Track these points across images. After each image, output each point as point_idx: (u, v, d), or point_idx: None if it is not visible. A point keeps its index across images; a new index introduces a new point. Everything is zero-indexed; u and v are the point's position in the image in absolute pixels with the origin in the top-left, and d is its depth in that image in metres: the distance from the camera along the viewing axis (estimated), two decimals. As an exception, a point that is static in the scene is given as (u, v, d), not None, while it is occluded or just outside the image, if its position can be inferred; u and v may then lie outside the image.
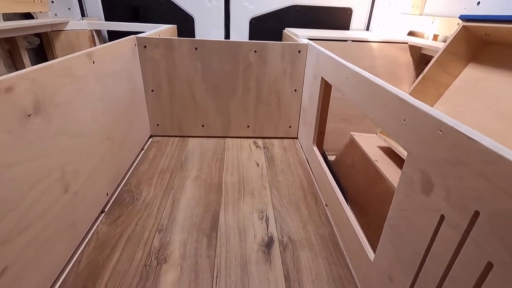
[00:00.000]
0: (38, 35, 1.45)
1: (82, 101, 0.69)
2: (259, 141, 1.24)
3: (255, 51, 1.08)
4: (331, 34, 1.45)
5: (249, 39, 1.77)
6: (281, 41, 1.72)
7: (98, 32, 1.66)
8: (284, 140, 1.26)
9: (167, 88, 1.13)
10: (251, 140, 1.24)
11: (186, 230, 0.75)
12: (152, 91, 1.13)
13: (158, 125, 1.20)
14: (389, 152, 1.01)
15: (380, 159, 0.97)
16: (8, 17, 1.28)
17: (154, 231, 0.74)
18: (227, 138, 1.24)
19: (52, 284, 0.58)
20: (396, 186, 0.49)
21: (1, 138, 0.45)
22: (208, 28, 1.75)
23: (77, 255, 0.66)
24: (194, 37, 1.74)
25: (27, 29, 1.28)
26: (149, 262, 0.65)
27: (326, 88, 0.93)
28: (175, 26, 1.66)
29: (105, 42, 1.74)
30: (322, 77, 0.90)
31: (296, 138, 1.28)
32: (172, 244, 0.70)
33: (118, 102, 0.89)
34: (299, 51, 1.10)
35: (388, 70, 1.42)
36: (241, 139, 1.25)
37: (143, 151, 1.11)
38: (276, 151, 1.16)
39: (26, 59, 1.33)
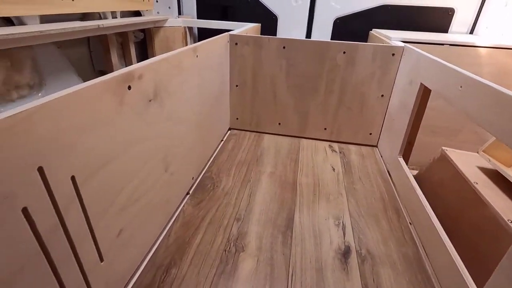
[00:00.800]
0: (142, 30, 1.66)
1: (185, 91, 0.76)
2: (335, 145, 1.20)
3: (344, 52, 1.05)
4: (428, 37, 1.32)
5: (331, 39, 1.72)
6: (366, 42, 1.63)
7: (190, 28, 1.81)
8: (362, 147, 1.20)
9: (251, 84, 1.17)
10: (327, 143, 1.21)
11: (262, 223, 0.77)
12: (237, 86, 1.18)
13: (237, 119, 1.26)
14: (494, 176, 0.87)
15: (481, 182, 0.84)
16: (123, 14, 1.48)
17: (233, 220, 0.78)
18: (301, 139, 1.23)
19: (149, 250, 0.66)
20: (502, 216, 0.41)
21: (132, 118, 0.52)
22: (290, 27, 1.75)
23: (167, 229, 0.73)
24: (276, 35, 1.77)
25: (136, 25, 1.47)
26: (228, 248, 0.69)
27: (424, 95, 0.85)
28: (259, 24, 1.71)
29: (194, 38, 1.89)
30: (421, 83, 0.82)
31: (376, 146, 1.20)
32: (249, 234, 0.73)
33: (210, 95, 0.96)
34: (393, 54, 1.02)
35: (497, 80, 1.22)
36: (316, 141, 1.22)
37: (223, 142, 1.18)
38: (353, 158, 1.11)
39: (132, 51, 1.53)
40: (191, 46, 0.78)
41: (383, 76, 1.07)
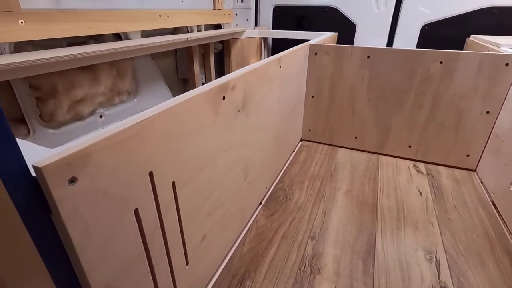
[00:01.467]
0: (221, 42, 1.76)
1: (267, 101, 0.75)
2: (421, 166, 1.06)
3: (441, 62, 0.93)
4: (551, 42, 1.09)
5: (417, 48, 1.56)
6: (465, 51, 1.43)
7: (265, 39, 1.86)
8: (456, 170, 1.03)
9: (327, 95, 1.13)
10: (411, 163, 1.08)
11: (339, 245, 0.71)
12: (312, 96, 1.15)
13: (310, 130, 1.22)
14: None
15: None
16: (206, 27, 1.60)
17: (307, 237, 0.74)
18: (380, 155, 1.13)
19: (225, 257, 0.67)
20: None
21: (223, 127, 0.54)
22: (370, 36, 1.65)
23: (241, 237, 0.73)
24: (353, 44, 1.69)
25: (218, 37, 1.56)
26: (303, 267, 0.65)
27: (554, 115, 0.69)
28: (336, 34, 1.66)
29: (268, 49, 1.93)
30: (552, 100, 0.67)
31: (474, 171, 1.02)
32: (325, 256, 0.68)
33: (287, 104, 0.94)
34: (507, 64, 0.86)
35: None
36: (398, 159, 1.10)
37: (294, 153, 1.15)
38: (445, 182, 0.97)
39: (212, 61, 1.63)
40: (276, 57, 0.78)
41: (491, 89, 0.91)
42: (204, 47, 1.59)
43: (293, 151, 1.16)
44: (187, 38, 1.22)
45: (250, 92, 0.63)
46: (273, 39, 1.90)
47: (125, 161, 0.33)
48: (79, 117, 0.97)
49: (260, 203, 0.86)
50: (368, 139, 1.13)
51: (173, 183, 0.42)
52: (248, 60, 1.81)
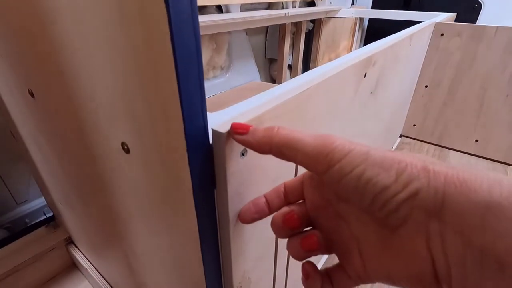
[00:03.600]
0: (313, 21, 1.64)
1: (392, 85, 0.64)
2: None
3: None
4: None
5: None
6: None
7: (361, 20, 1.67)
8: None
9: (447, 86, 0.94)
10: (555, 181, 0.84)
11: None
12: (426, 86, 0.98)
13: (414, 125, 1.05)
14: None
15: None
16: (300, 4, 1.50)
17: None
18: (510, 166, 0.91)
19: (323, 256, 0.60)
20: None
21: (356, 111, 0.45)
22: (500, 17, 1.34)
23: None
24: (474, 29, 1.40)
25: (312, 14, 1.45)
26: None
27: None
28: (455, 14, 1.39)
29: (363, 31, 1.74)
30: None
31: None
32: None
33: (403, 93, 0.81)
34: None
35: None
36: (536, 174, 0.88)
37: (392, 149, 1.01)
38: None
39: (302, 41, 1.53)
40: (407, 32, 0.65)
41: None
42: (296, 26, 1.50)
43: (392, 148, 1.02)
44: (285, 14, 1.14)
45: (384, 72, 0.53)
46: (369, 21, 1.70)
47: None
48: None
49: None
50: (494, 144, 0.92)
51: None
52: (338, 43, 1.65)
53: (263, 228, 0.30)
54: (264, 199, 0.23)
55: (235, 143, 0.21)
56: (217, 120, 0.21)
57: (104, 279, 0.59)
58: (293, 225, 0.21)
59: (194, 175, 0.20)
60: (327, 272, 0.21)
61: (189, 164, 0.19)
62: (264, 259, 0.33)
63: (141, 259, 0.36)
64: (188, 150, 0.19)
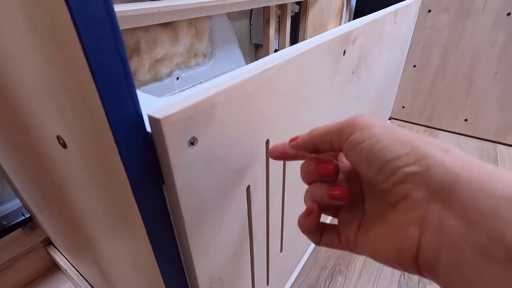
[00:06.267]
0: (299, 3, 1.58)
1: (377, 65, 0.61)
2: (561, 163, 0.82)
3: None
4: None
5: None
6: None
7: (348, 1, 1.62)
8: None
9: (435, 65, 0.91)
10: (545, 158, 0.84)
11: (453, 252, 0.57)
12: (414, 66, 0.95)
13: (403, 107, 1.03)
14: None
15: None
16: (284, -15, 1.43)
17: (409, 235, 0.61)
18: (500, 145, 0.90)
19: (308, 246, 0.58)
20: None
21: (337, 92, 0.42)
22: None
23: (326, 224, 0.64)
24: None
25: (297, -4, 1.39)
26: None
27: None
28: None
29: (350, 12, 1.69)
30: None
31: None
32: (435, 262, 0.55)
33: (388, 73, 0.78)
34: None
35: None
36: (525, 151, 0.87)
37: (382, 133, 0.99)
38: None
39: (288, 24, 1.48)
40: (392, 8, 0.61)
41: None
42: (282, 8, 1.45)
43: (381, 131, 1.00)
44: (268, -5, 1.09)
45: (366, 50, 0.50)
46: (357, 1, 1.65)
47: (244, 122, 0.24)
48: (158, 78, 0.95)
49: (346, 187, 0.75)
50: (484, 123, 0.90)
51: (284, 156, 0.33)
52: (326, 25, 1.61)
53: (231, 227, 0.27)
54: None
55: (180, 130, 0.18)
56: (158, 106, 0.18)
57: (86, 280, 0.56)
58: (329, 173, 0.20)
59: (131, 170, 0.17)
60: (322, 225, 0.22)
61: (122, 157, 0.16)
62: (236, 257, 0.31)
63: (109, 262, 0.34)
64: (117, 141, 0.16)
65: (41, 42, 0.15)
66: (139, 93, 0.24)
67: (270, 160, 0.30)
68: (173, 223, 0.22)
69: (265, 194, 0.32)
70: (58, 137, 0.21)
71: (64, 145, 0.21)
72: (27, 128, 0.25)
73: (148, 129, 0.18)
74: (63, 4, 0.12)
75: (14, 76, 0.21)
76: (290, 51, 0.29)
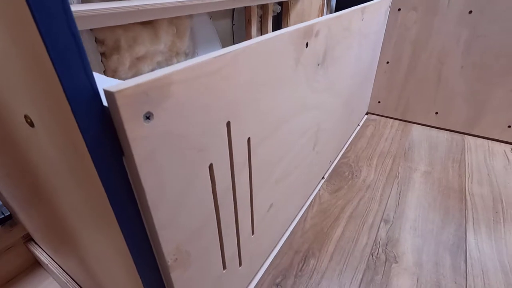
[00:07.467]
0: (280, 3, 1.62)
1: (346, 59, 0.64)
2: (523, 151, 0.87)
3: None
4: None
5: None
6: None
7: (328, 1, 1.67)
8: None
9: (407, 61, 0.96)
10: (508, 147, 0.89)
11: (419, 233, 0.61)
12: (387, 63, 0.99)
13: (379, 102, 1.07)
14: None
15: None
16: (265, -14, 1.47)
17: (379, 220, 0.64)
18: (467, 136, 0.95)
19: (286, 229, 0.61)
20: None
21: (302, 82, 0.45)
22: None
23: (302, 211, 0.67)
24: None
25: (278, -4, 1.43)
26: (376, 253, 0.57)
27: None
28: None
29: (331, 12, 1.74)
30: None
31: None
32: (402, 243, 0.59)
33: (362, 68, 0.82)
34: None
35: None
36: (491, 141, 0.92)
37: (359, 126, 1.03)
38: (558, 173, 0.78)
39: (270, 24, 1.51)
40: (359, 6, 0.65)
41: None
42: (263, 9, 1.48)
43: (358, 125, 1.04)
44: (248, -5, 1.12)
45: (332, 44, 0.53)
46: (337, 1, 1.70)
47: (204, 103, 0.27)
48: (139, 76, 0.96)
49: (323, 178, 0.78)
50: (453, 115, 0.95)
51: (249, 139, 0.36)
52: (307, 25, 1.65)
53: (196, 202, 0.30)
54: None
55: (135, 104, 0.20)
56: (115, 83, 0.20)
57: (68, 274, 0.57)
58: None
59: (90, 142, 0.19)
60: None
61: (80, 130, 0.18)
62: (204, 231, 0.33)
63: (86, 248, 0.35)
64: (75, 114, 0.18)
65: (7, 25, 0.17)
66: (101, 76, 0.26)
67: (234, 141, 0.33)
68: (135, 193, 0.24)
69: (229, 173, 0.34)
70: (26, 116, 0.23)
71: (31, 124, 0.23)
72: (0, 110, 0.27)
73: (105, 103, 0.20)
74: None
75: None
76: (252, 41, 0.31)
